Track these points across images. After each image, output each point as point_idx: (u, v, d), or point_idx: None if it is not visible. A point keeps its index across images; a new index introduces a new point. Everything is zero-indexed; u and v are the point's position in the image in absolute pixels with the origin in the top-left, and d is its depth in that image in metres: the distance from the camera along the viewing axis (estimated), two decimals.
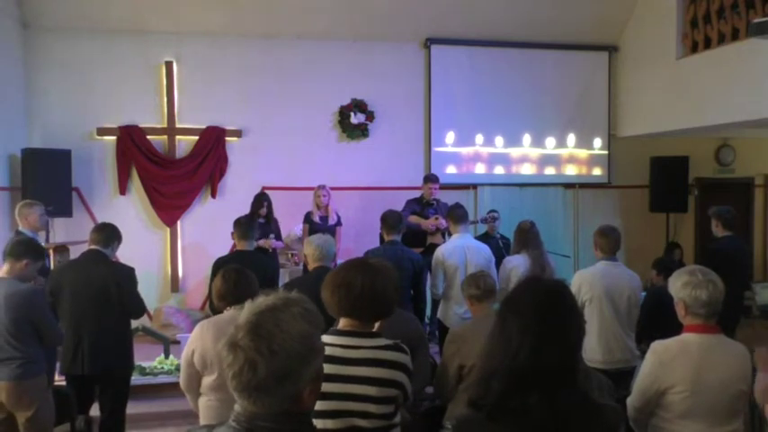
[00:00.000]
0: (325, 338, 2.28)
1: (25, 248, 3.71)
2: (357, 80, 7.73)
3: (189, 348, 3.13)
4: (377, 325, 2.36)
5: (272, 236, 6.44)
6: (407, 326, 3.33)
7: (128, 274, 4.24)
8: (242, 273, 3.27)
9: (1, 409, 3.58)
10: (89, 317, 4.06)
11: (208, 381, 3.10)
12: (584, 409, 1.59)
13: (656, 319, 4.30)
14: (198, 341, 3.10)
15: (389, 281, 2.36)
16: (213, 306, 4.63)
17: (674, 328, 2.69)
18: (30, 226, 4.96)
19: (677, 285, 2.61)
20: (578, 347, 1.67)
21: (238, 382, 1.33)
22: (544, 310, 1.62)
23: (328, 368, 2.18)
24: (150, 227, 7.35)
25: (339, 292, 2.27)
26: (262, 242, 6.26)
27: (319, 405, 2.17)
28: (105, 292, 4.09)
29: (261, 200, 6.67)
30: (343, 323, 2.33)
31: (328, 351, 2.23)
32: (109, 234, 4.26)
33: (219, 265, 4.52)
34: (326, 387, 2.15)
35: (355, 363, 2.23)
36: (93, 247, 4.21)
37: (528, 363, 1.56)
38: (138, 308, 4.35)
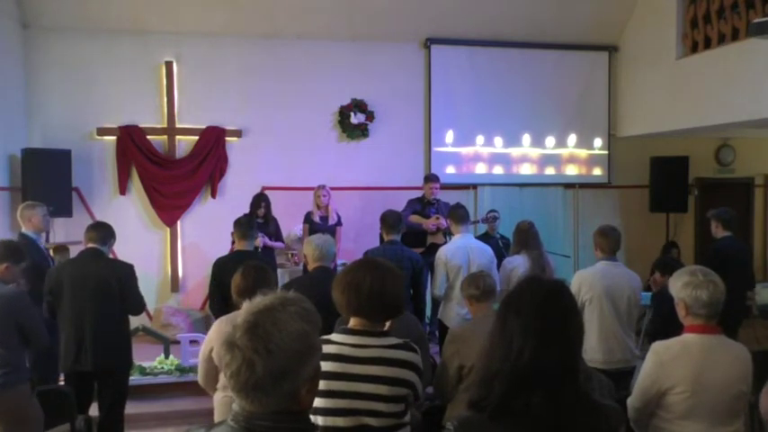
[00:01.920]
0: (335, 337, 2.30)
1: (4, 251, 3.64)
2: (357, 80, 7.73)
3: (207, 345, 3.22)
4: (387, 324, 2.37)
5: (261, 234, 6.39)
6: (408, 326, 3.33)
7: (128, 271, 4.27)
8: (261, 269, 3.31)
9: None
10: (91, 314, 4.08)
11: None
12: (586, 410, 1.59)
13: (672, 321, 4.27)
14: (215, 338, 3.16)
15: (398, 280, 2.38)
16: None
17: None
18: (34, 227, 4.87)
19: (678, 286, 2.61)
20: (579, 347, 1.66)
21: (236, 382, 1.33)
22: (545, 309, 1.62)
23: (338, 367, 2.20)
24: (150, 227, 7.35)
25: (349, 292, 2.29)
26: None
27: (329, 403, 2.19)
28: (106, 289, 4.11)
29: (259, 200, 6.67)
30: (353, 322, 2.34)
31: (338, 350, 2.25)
32: (105, 232, 4.31)
33: (219, 265, 4.54)
34: (336, 385, 2.19)
35: (365, 361, 2.24)
36: (90, 245, 4.23)
37: (530, 363, 1.56)
38: (139, 305, 4.37)
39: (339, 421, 2.22)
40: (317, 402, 2.20)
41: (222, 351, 1.36)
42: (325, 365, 2.19)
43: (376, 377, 2.23)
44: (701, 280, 2.56)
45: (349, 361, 2.23)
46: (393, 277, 2.35)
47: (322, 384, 2.17)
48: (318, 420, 2.22)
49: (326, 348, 2.25)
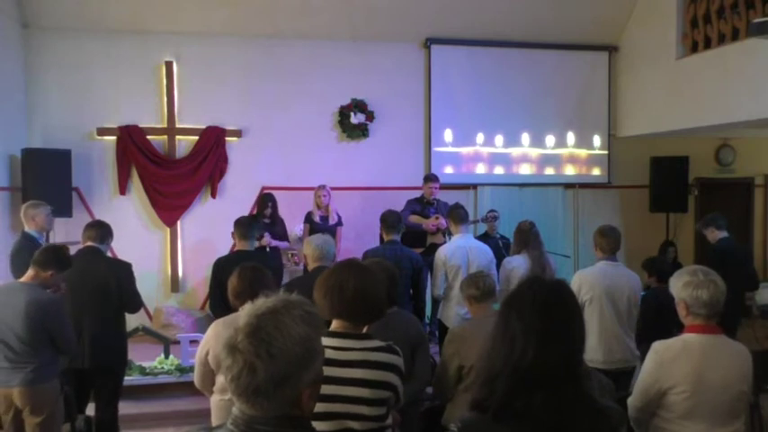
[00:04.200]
0: None
1: (52, 258, 3.66)
2: (357, 80, 7.73)
3: (203, 348, 3.19)
4: (365, 327, 2.36)
5: (267, 234, 6.42)
6: (407, 326, 3.34)
7: (126, 270, 4.30)
8: (258, 271, 3.28)
9: (9, 407, 3.59)
10: (88, 312, 4.11)
11: (221, 380, 3.13)
12: (588, 410, 1.59)
13: (654, 322, 4.31)
14: (212, 341, 3.14)
15: (380, 283, 2.37)
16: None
17: (671, 333, 2.70)
18: (37, 227, 4.89)
19: (678, 285, 2.61)
20: (581, 347, 1.66)
21: (237, 386, 1.31)
22: (547, 309, 1.62)
23: None
24: (150, 227, 7.35)
25: (331, 294, 2.27)
26: (260, 241, 6.24)
27: None
28: (104, 288, 4.14)
29: (266, 200, 6.67)
30: (335, 325, 2.33)
31: None
32: (104, 231, 4.34)
33: (220, 265, 4.54)
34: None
35: (347, 365, 2.23)
36: (89, 243, 4.27)
37: (532, 363, 1.56)
38: (136, 303, 4.40)
39: (321, 425, 2.20)
40: None
41: (223, 354, 1.33)
42: None
43: (359, 380, 2.21)
44: (702, 279, 2.56)
45: (332, 364, 2.21)
46: (375, 280, 2.34)
47: None
48: None
49: None
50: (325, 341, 2.24)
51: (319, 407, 2.17)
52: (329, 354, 2.22)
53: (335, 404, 2.19)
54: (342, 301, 2.26)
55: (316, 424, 2.15)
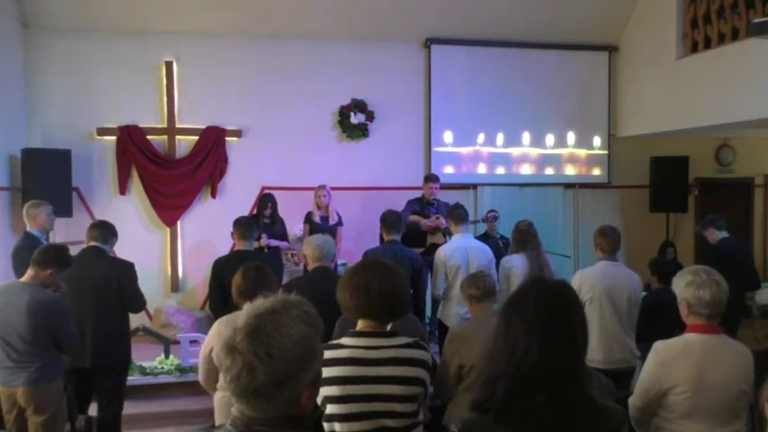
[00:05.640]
0: (346, 341, 2.29)
1: (52, 258, 3.66)
2: (357, 80, 7.73)
3: (207, 346, 3.24)
4: (389, 325, 2.37)
5: (264, 235, 6.42)
6: (407, 326, 3.33)
7: (128, 270, 4.32)
8: (261, 270, 3.31)
9: (13, 406, 3.59)
10: (91, 312, 4.13)
11: None
12: (589, 410, 1.59)
13: (654, 322, 4.31)
14: (215, 339, 3.17)
15: (405, 280, 2.39)
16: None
17: (671, 333, 2.70)
18: (38, 226, 4.93)
19: (681, 285, 2.61)
20: (583, 347, 1.66)
21: (236, 387, 1.31)
22: (549, 310, 1.62)
23: (353, 371, 2.19)
24: (150, 227, 7.35)
25: (358, 294, 2.28)
26: (258, 242, 6.24)
27: (345, 408, 2.18)
28: (107, 288, 4.16)
29: (265, 201, 6.68)
30: (361, 324, 2.33)
31: (351, 353, 2.24)
32: (108, 231, 4.37)
33: (219, 265, 4.54)
34: (353, 390, 2.18)
35: (379, 363, 2.24)
36: (92, 243, 4.29)
37: (534, 364, 1.56)
38: (139, 303, 4.41)
39: (356, 426, 2.20)
40: (334, 409, 2.19)
41: (222, 355, 1.33)
42: (340, 370, 2.18)
43: (391, 378, 2.22)
44: (704, 279, 2.56)
45: (363, 364, 2.22)
46: (399, 277, 2.35)
47: (338, 390, 2.17)
48: (335, 427, 2.20)
49: (339, 353, 2.24)
50: (354, 341, 2.27)
51: (354, 407, 2.19)
52: (359, 354, 2.24)
53: (370, 403, 2.20)
54: (368, 301, 2.27)
55: (350, 424, 2.18)
